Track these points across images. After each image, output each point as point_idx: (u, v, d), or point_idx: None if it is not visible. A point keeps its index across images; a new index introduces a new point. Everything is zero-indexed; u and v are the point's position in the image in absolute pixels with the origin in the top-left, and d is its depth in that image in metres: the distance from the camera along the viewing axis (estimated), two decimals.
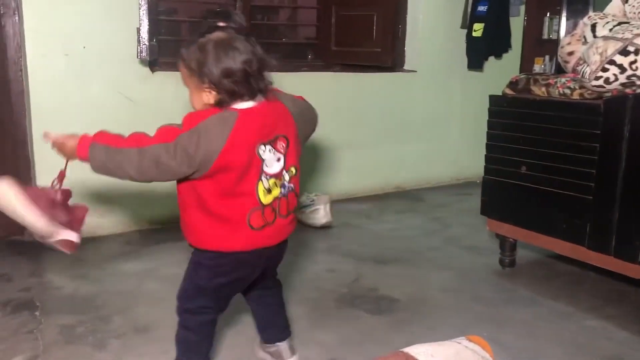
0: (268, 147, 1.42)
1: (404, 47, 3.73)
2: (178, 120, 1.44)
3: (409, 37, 3.74)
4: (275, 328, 1.74)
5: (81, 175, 1.54)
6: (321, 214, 3.02)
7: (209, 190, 1.39)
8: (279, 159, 1.45)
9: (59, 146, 1.44)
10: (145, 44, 2.54)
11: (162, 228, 2.95)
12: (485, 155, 2.44)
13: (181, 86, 1.53)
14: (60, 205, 1.47)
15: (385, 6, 3.35)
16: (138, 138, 1.40)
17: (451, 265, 2.58)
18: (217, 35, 1.37)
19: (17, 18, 2.56)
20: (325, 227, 3.03)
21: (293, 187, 1.51)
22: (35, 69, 2.58)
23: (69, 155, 1.43)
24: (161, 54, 2.80)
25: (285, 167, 1.47)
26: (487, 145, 2.43)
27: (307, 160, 3.41)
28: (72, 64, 2.65)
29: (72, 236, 1.45)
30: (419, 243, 2.87)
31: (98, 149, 1.37)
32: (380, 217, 3.31)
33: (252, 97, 1.40)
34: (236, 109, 1.38)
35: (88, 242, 2.74)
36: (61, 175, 1.50)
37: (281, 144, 1.45)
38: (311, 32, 3.88)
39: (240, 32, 1.38)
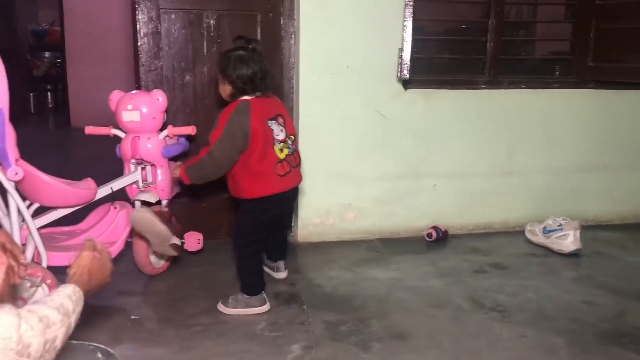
0: (273, 121, 2.16)
1: None
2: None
3: None
4: (278, 251, 2.54)
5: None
6: (570, 240, 2.85)
7: (249, 157, 2.10)
8: (282, 130, 2.18)
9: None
10: (406, 64, 2.67)
11: (401, 239, 3.07)
12: None
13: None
14: (167, 221, 2.30)
15: None
16: (204, 149, 2.11)
17: None
18: (239, 52, 2.14)
19: (293, 41, 2.88)
20: (574, 255, 2.85)
21: (295, 148, 2.27)
22: (305, 86, 2.86)
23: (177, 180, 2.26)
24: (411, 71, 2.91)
25: (287, 135, 2.21)
26: None
27: (550, 182, 3.26)
28: (336, 81, 2.89)
29: (177, 241, 2.28)
30: None
31: (188, 169, 2.13)
32: (637, 248, 3.01)
33: (254, 93, 2.14)
34: (247, 99, 2.13)
35: (336, 245, 2.97)
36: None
37: (281, 119, 2.20)
38: (557, 46, 3.69)
39: (255, 52, 2.15)
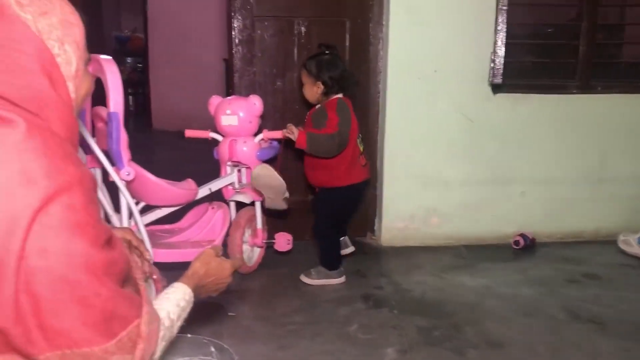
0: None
1: None
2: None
3: None
4: (344, 231, 2.76)
5: None
6: None
7: (347, 147, 2.38)
8: (358, 126, 2.47)
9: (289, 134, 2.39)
10: (499, 69, 2.64)
11: (487, 245, 3.03)
12: None
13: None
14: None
15: None
16: (325, 130, 2.36)
17: None
18: (326, 56, 2.43)
19: (381, 46, 2.90)
20: None
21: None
22: (393, 90, 2.88)
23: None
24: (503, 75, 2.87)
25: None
26: None
27: None
28: (424, 86, 2.89)
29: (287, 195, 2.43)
30: None
31: (310, 136, 2.33)
32: None
33: (341, 92, 2.42)
34: (339, 96, 2.42)
35: (421, 250, 2.97)
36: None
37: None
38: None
39: (337, 56, 2.46)
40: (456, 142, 2.98)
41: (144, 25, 6.74)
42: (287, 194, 2.42)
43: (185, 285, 1.20)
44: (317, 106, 2.46)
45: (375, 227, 3.10)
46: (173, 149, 5.41)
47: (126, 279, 1.10)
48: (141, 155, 5.54)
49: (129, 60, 8.27)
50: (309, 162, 2.51)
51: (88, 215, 0.83)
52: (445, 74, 2.89)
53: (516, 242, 2.98)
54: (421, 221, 3.02)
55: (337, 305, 2.33)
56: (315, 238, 2.63)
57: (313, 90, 2.42)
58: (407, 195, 3.00)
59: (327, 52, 2.45)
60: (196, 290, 1.23)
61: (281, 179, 2.35)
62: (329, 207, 2.52)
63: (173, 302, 1.13)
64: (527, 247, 2.97)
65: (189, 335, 1.55)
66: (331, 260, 2.53)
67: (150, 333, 0.95)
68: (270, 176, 2.35)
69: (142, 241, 1.44)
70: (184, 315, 1.16)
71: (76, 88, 0.94)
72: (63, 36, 0.91)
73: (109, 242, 0.90)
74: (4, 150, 0.79)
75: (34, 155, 0.80)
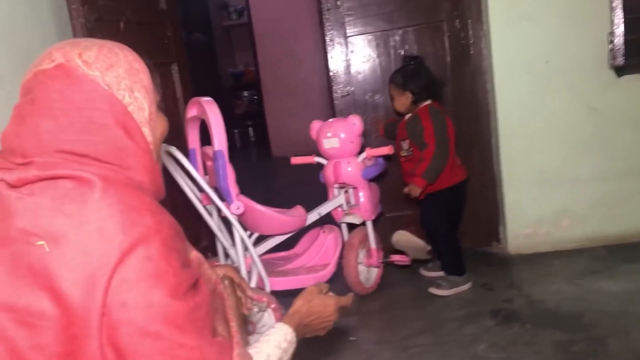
0: None
1: None
2: None
3: None
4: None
5: None
6: None
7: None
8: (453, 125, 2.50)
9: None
10: (619, 49, 2.38)
11: (632, 245, 2.71)
12: None
13: None
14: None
15: None
16: (426, 152, 2.42)
17: None
18: (412, 67, 2.52)
19: (483, 44, 2.75)
20: None
21: None
22: (502, 89, 2.71)
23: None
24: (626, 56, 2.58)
25: None
26: None
27: None
28: (535, 80, 2.68)
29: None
30: None
31: (426, 176, 2.39)
32: None
33: (429, 99, 2.47)
34: (428, 103, 2.47)
35: (553, 256, 2.73)
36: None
37: None
38: None
39: (422, 65, 2.53)
40: (580, 135, 2.73)
41: (254, 58, 7.04)
42: (428, 248, 2.55)
43: (287, 325, 1.18)
44: (408, 115, 2.51)
45: (501, 235, 2.91)
46: (291, 174, 5.53)
47: (219, 320, 1.11)
48: (263, 183, 5.81)
49: (245, 94, 8.66)
50: (407, 171, 2.53)
51: (167, 264, 0.84)
52: (558, 64, 2.66)
53: None
54: (550, 224, 2.79)
55: (463, 324, 2.20)
56: (435, 248, 2.56)
57: (402, 101, 2.49)
58: (531, 198, 2.78)
59: (411, 62, 2.54)
60: (299, 329, 1.20)
61: (420, 241, 2.54)
62: (441, 211, 2.49)
63: (273, 344, 1.11)
64: None
65: None
66: (459, 265, 2.52)
67: None
68: (409, 241, 2.55)
69: (243, 278, 1.45)
70: (287, 357, 1.13)
71: (152, 131, 0.97)
72: (131, 84, 0.94)
73: (193, 287, 0.90)
74: (82, 212, 0.82)
75: (109, 212, 0.82)
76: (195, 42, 6.72)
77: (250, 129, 8.44)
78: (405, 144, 2.50)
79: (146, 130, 0.96)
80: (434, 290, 2.47)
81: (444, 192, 2.47)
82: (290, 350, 1.15)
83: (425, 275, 2.68)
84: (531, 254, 2.78)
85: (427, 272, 2.69)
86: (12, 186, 0.86)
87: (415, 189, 2.42)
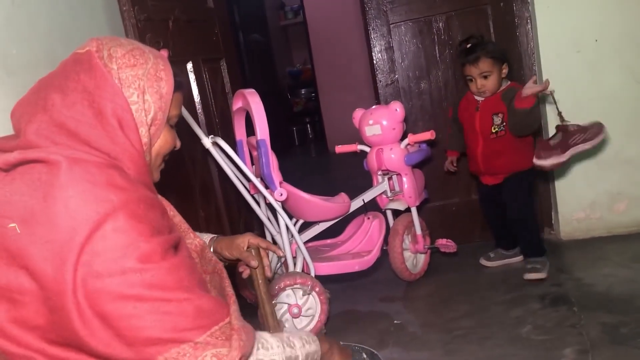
0: None
1: None
2: None
3: None
4: None
5: None
6: None
7: None
8: None
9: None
10: None
11: None
12: None
13: None
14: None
15: None
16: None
17: None
18: (487, 39, 2.54)
19: (530, 26, 2.69)
20: None
21: None
22: (550, 70, 2.63)
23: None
24: None
25: None
26: None
27: None
28: (584, 59, 2.61)
29: None
30: None
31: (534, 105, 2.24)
32: None
33: None
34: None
35: (607, 241, 2.65)
36: None
37: None
38: None
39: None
40: (635, 115, 2.62)
41: (310, 56, 7.14)
42: None
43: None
44: (500, 89, 2.40)
45: (553, 221, 2.84)
46: (347, 167, 5.60)
47: (211, 285, 1.19)
48: (320, 175, 5.88)
49: (303, 92, 8.78)
50: (491, 151, 2.42)
51: (138, 234, 0.89)
52: (608, 41, 2.57)
53: None
54: (605, 208, 2.70)
55: (509, 308, 2.18)
56: (522, 231, 2.48)
57: (500, 76, 2.38)
58: (584, 181, 2.70)
59: (480, 36, 2.45)
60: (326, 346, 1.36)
61: None
62: (527, 191, 2.45)
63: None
64: None
65: (341, 343, 1.59)
66: (541, 245, 2.50)
67: (246, 327, 0.99)
68: None
69: (269, 242, 1.52)
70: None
71: (151, 135, 1.03)
72: (146, 87, 1.00)
73: (174, 249, 0.95)
74: (50, 193, 0.87)
75: (75, 192, 0.88)
76: (253, 42, 6.89)
77: (309, 126, 8.55)
78: (498, 118, 2.38)
79: (143, 131, 1.01)
80: (531, 276, 2.36)
81: (530, 171, 2.39)
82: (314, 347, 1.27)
83: (486, 265, 2.61)
84: (584, 239, 2.70)
85: (489, 261, 2.61)
86: (1, 169, 0.93)
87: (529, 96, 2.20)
